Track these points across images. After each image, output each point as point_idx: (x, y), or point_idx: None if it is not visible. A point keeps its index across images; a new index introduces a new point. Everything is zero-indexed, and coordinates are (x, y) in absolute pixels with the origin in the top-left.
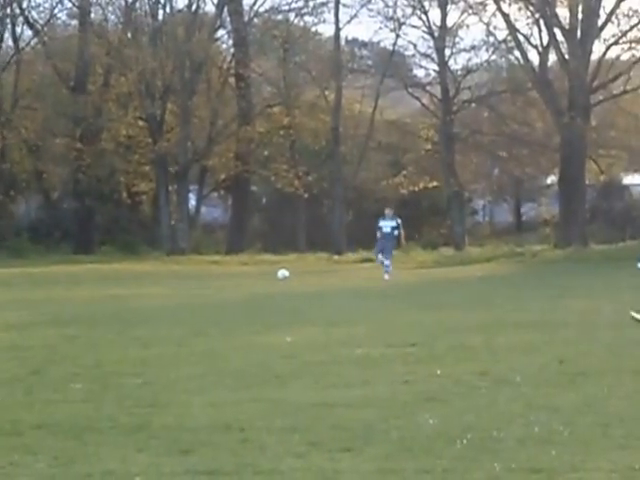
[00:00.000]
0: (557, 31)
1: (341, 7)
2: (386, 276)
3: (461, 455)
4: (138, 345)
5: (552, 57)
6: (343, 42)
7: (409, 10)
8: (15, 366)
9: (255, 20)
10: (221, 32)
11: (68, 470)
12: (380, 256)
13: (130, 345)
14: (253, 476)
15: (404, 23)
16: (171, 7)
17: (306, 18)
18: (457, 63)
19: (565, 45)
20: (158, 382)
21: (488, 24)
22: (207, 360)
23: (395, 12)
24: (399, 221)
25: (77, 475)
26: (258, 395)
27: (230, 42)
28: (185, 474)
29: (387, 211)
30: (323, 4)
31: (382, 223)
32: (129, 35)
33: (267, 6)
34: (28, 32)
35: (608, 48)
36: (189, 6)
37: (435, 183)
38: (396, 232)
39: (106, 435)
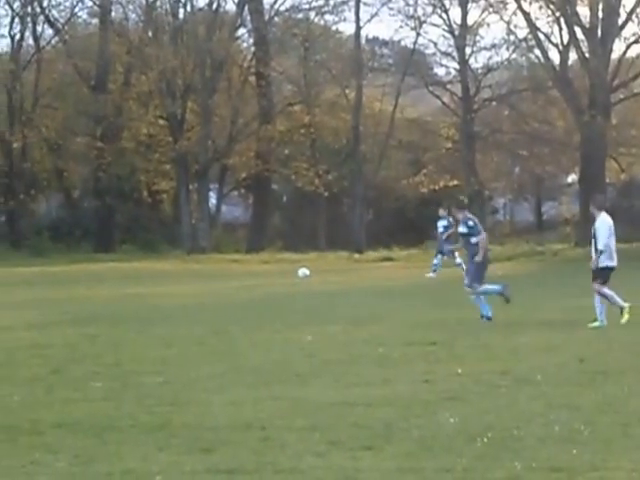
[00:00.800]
0: (578, 30)
1: (362, 5)
2: (430, 274)
3: (482, 454)
4: (158, 344)
5: (573, 56)
6: (364, 41)
7: (430, 9)
8: (36, 365)
9: (276, 19)
10: (242, 31)
11: (88, 469)
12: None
13: (150, 344)
14: (273, 475)
15: (425, 22)
16: (192, 6)
17: (327, 17)
18: (478, 61)
19: (586, 44)
20: (178, 381)
21: (509, 23)
22: (227, 359)
23: (416, 11)
24: (451, 220)
25: (97, 474)
26: (278, 393)
27: (251, 41)
28: (206, 473)
29: (440, 211)
30: (344, 3)
31: (438, 223)
32: (150, 34)
33: (288, 5)
34: (49, 31)
35: (629, 47)
36: (210, 5)
37: (456, 182)
38: (449, 230)
39: (126, 434)
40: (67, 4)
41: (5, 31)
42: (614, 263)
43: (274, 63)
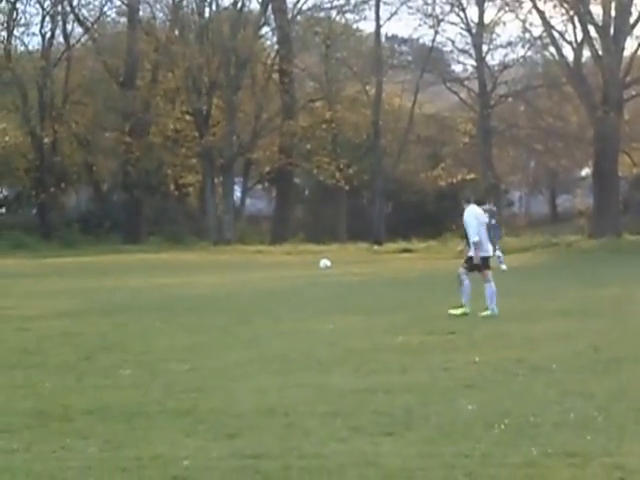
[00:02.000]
0: (591, 28)
1: (382, 4)
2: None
3: (499, 440)
4: (185, 332)
5: (586, 53)
6: (383, 39)
7: (447, 7)
8: (67, 352)
9: (298, 18)
10: (265, 29)
11: (118, 454)
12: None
13: (178, 332)
14: (297, 459)
15: (443, 20)
16: (217, 5)
17: (347, 15)
18: (494, 59)
19: (599, 42)
20: (205, 368)
21: (524, 21)
22: (252, 347)
23: (434, 9)
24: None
25: (127, 459)
26: (302, 381)
27: (274, 39)
28: (232, 457)
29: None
30: (364, 2)
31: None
32: (176, 32)
33: (310, 4)
34: (78, 29)
35: None
36: (234, 4)
37: (473, 175)
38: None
39: (155, 420)
40: (96, 3)
41: (36, 29)
42: (488, 254)
43: (297, 60)
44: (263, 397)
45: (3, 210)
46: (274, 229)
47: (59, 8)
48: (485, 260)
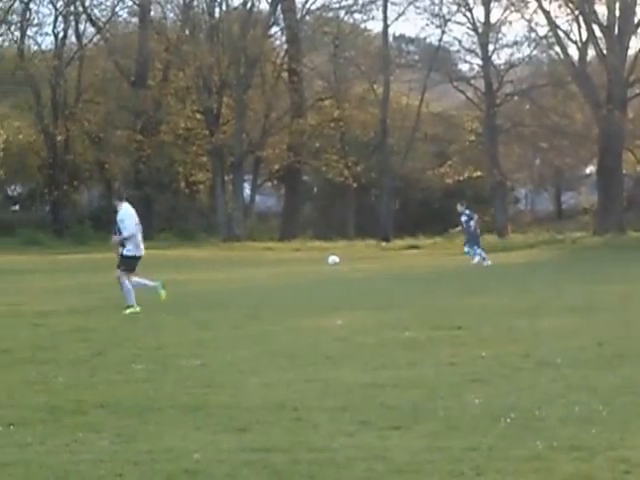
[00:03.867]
0: (595, 27)
1: (389, 5)
2: (483, 262)
3: (505, 433)
4: (196, 328)
5: (591, 52)
6: (391, 38)
7: (454, 7)
8: (80, 348)
9: (307, 17)
10: (275, 29)
11: (130, 447)
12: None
13: (189, 328)
14: (307, 453)
15: (449, 20)
16: (227, 5)
17: (356, 15)
18: (500, 58)
19: (603, 41)
20: (215, 363)
21: (530, 21)
22: (261, 342)
23: (441, 9)
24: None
25: (139, 452)
26: (310, 376)
27: (283, 38)
28: (241, 451)
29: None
30: (372, 2)
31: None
32: (187, 32)
33: (319, 4)
34: (91, 29)
35: None
36: (244, 4)
37: (479, 173)
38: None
39: (166, 414)
40: (108, 3)
41: (49, 29)
42: (141, 253)
43: (305, 60)
44: (272, 392)
45: (17, 207)
46: (283, 226)
47: (71, 8)
48: (132, 259)
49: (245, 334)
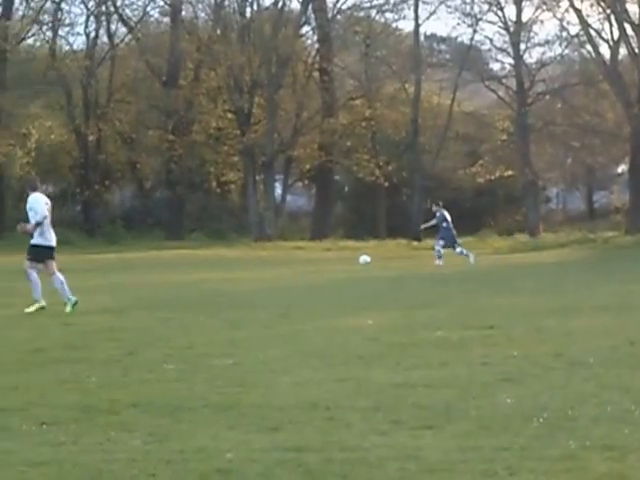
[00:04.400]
0: (627, 26)
1: (420, 4)
2: (469, 259)
3: (538, 433)
4: (227, 327)
5: (622, 51)
6: (422, 37)
7: (486, 6)
8: (112, 348)
9: (338, 17)
10: (306, 28)
11: (162, 446)
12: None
13: (220, 327)
14: (339, 452)
15: (481, 19)
16: (258, 4)
17: (387, 15)
18: (532, 57)
19: (635, 39)
20: (247, 363)
21: (561, 19)
22: (293, 342)
23: (472, 8)
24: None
25: (171, 451)
26: (342, 375)
27: (314, 38)
28: (274, 450)
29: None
30: (403, 1)
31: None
32: (218, 32)
33: (350, 3)
34: (122, 29)
35: None
36: (275, 3)
37: (510, 172)
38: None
39: (198, 413)
40: (139, 3)
41: (81, 29)
42: (48, 243)
43: (337, 59)
44: (304, 391)
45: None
46: (314, 225)
47: (103, 8)
48: (49, 250)
49: (276, 333)
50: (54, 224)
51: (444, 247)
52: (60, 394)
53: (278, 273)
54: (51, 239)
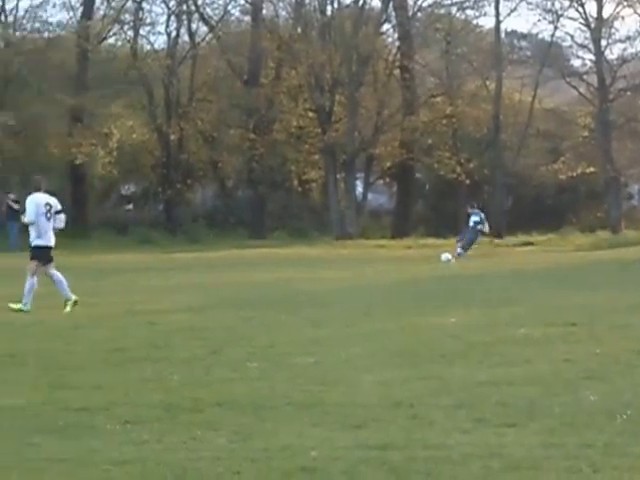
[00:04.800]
0: None
1: (501, 0)
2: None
3: (621, 430)
4: (309, 326)
5: None
6: (503, 34)
7: (567, 3)
8: (195, 346)
9: (419, 14)
10: (386, 26)
11: (246, 445)
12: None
13: (302, 326)
14: (422, 450)
15: (562, 15)
16: (339, 3)
17: (467, 12)
18: (613, 53)
19: None
20: (329, 361)
21: None
22: (375, 340)
23: (553, 5)
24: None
25: (256, 449)
26: (425, 373)
27: (395, 36)
28: (358, 448)
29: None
30: None
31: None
32: (299, 30)
33: (430, 1)
34: (203, 28)
35: None
36: (356, 1)
37: (592, 169)
38: (479, 226)
39: (281, 411)
40: (220, 2)
41: (162, 28)
42: (46, 243)
43: (417, 57)
44: (387, 389)
45: (130, 206)
46: (395, 223)
47: (184, 7)
48: (39, 249)
49: (358, 332)
50: (138, 223)
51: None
52: (143, 393)
53: (359, 271)
54: (50, 239)
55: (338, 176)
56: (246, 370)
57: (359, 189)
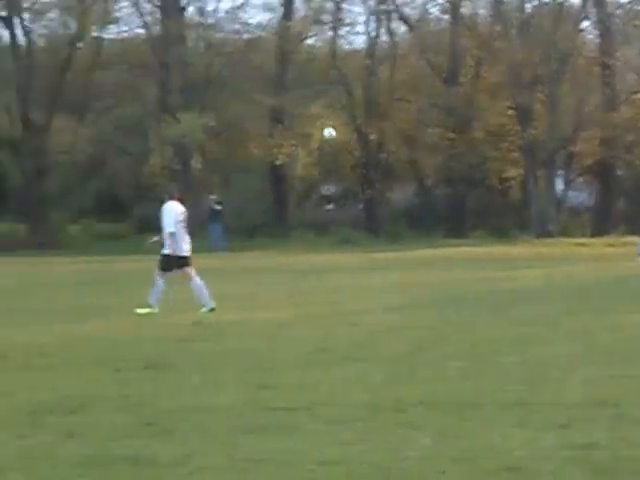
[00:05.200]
0: None
1: None
2: None
3: None
4: (513, 325)
5: None
6: None
7: None
8: (398, 345)
9: (618, 11)
10: (585, 23)
11: (451, 444)
12: None
13: (505, 325)
14: (627, 450)
15: None
16: (538, 0)
17: None
18: None
19: None
20: (534, 360)
21: None
22: (580, 338)
23: None
24: None
25: (459, 449)
26: (631, 372)
27: (594, 32)
28: (562, 448)
29: None
30: None
31: None
32: (498, 28)
33: None
34: (402, 27)
35: None
36: None
37: None
38: None
39: (485, 411)
40: (419, 1)
41: (361, 28)
42: (181, 253)
43: (618, 53)
44: (592, 388)
45: (331, 206)
46: (595, 221)
47: (383, 7)
48: (167, 258)
49: (563, 330)
50: (339, 222)
51: None
52: (346, 392)
53: (561, 270)
54: (182, 250)
55: (538, 173)
56: (448, 369)
57: (559, 186)
